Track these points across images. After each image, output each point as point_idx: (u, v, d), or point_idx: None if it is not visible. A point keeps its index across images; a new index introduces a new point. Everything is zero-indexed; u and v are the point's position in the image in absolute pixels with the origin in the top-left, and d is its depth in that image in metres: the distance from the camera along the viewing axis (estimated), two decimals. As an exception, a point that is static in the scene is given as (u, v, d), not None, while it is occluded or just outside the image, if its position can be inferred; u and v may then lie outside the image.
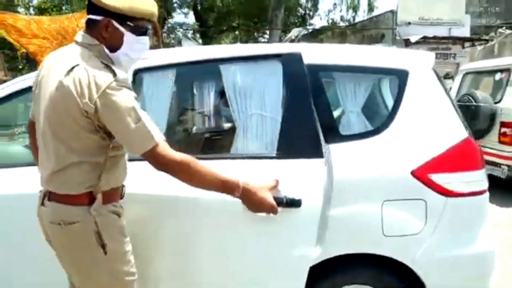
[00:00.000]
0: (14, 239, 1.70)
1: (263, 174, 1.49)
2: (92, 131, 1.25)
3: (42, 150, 1.35)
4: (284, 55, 1.72)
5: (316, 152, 1.56)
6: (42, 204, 1.34)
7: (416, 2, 11.34)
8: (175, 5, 17.23)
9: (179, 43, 12.56)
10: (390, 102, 1.80)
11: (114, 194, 1.38)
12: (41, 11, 15.34)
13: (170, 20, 17.11)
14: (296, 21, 17.36)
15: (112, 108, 1.20)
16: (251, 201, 1.33)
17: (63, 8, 15.89)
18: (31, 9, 15.97)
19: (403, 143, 1.72)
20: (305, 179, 1.51)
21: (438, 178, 1.67)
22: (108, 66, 1.25)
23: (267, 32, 15.23)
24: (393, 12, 11.93)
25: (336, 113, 1.81)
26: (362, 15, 15.40)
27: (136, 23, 1.31)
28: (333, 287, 1.74)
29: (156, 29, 1.39)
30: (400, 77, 1.77)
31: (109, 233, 1.32)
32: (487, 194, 1.72)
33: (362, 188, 1.68)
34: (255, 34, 17.70)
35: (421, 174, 1.66)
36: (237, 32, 18.68)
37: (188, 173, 1.26)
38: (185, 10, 18.42)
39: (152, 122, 1.26)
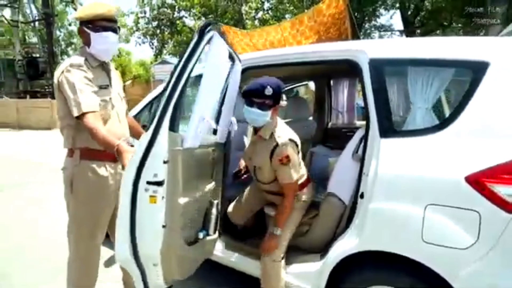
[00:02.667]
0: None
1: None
2: (65, 101, 1.73)
3: None
4: None
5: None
6: None
7: None
8: (379, 8, 16.82)
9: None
10: (458, 98, 1.58)
11: (93, 154, 1.80)
12: (263, 22, 17.93)
13: (369, 24, 16.91)
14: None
15: (62, 82, 1.71)
16: (119, 159, 1.60)
17: (286, 17, 17.79)
18: (256, 21, 18.81)
19: (462, 144, 1.51)
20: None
21: (502, 189, 1.40)
22: (73, 57, 1.77)
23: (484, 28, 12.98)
24: None
25: (395, 108, 1.73)
26: None
27: (94, 24, 1.77)
28: (363, 283, 1.72)
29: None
30: (476, 70, 1.55)
31: (78, 178, 1.80)
32: None
33: (406, 186, 1.59)
34: (470, 31, 15.30)
35: (477, 181, 1.44)
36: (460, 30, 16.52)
37: (94, 136, 1.65)
38: (385, 11, 17.70)
39: (90, 97, 1.69)
